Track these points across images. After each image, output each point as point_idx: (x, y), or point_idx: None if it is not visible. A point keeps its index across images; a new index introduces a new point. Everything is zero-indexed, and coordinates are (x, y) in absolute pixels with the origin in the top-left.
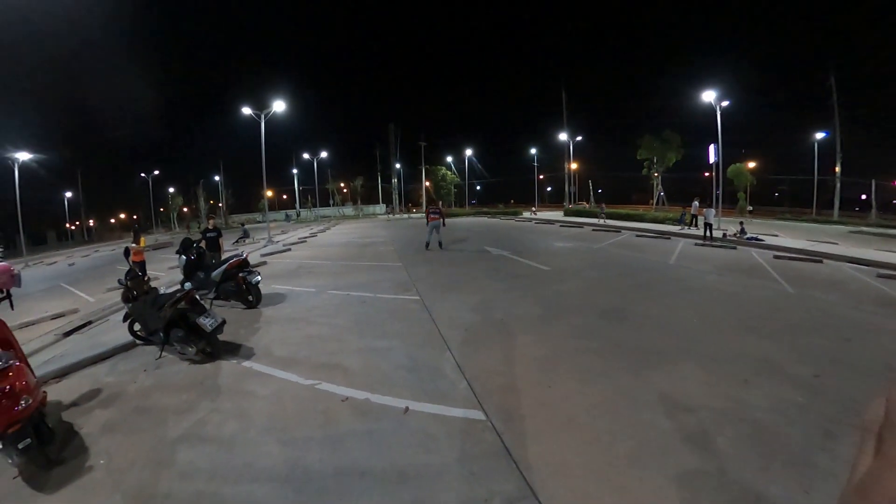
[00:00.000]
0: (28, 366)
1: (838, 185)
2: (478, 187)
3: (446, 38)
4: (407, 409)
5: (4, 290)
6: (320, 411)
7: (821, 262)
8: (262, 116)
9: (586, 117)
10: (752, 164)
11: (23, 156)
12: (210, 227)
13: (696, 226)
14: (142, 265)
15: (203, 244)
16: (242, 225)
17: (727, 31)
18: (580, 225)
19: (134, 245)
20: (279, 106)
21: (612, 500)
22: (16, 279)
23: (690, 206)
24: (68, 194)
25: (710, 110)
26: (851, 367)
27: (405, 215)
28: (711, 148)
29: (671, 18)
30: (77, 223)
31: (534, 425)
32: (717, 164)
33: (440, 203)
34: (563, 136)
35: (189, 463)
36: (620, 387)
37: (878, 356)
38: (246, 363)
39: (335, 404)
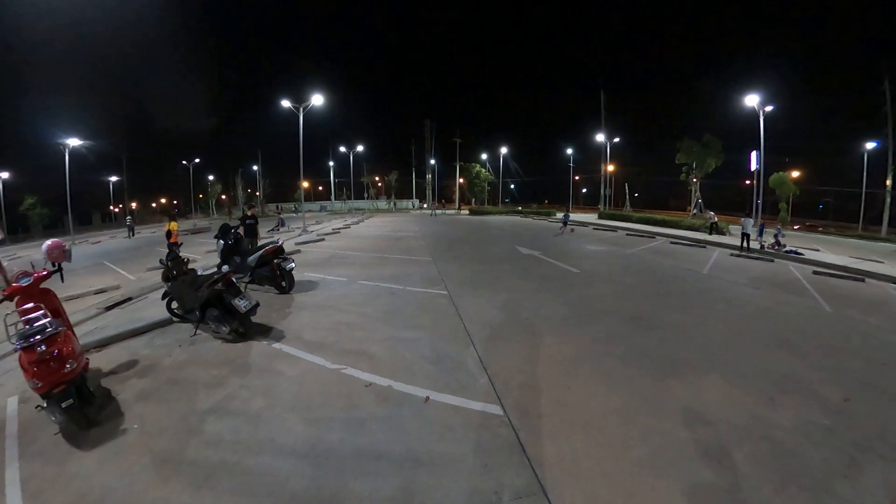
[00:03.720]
0: (73, 334)
1: (888, 199)
2: (512, 186)
3: (485, 35)
4: (427, 398)
5: (56, 263)
6: (344, 394)
7: (863, 280)
8: (301, 110)
9: (625, 118)
10: (795, 174)
11: (73, 142)
12: (248, 214)
13: (716, 233)
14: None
15: (241, 230)
16: (278, 214)
17: (773, 33)
18: (614, 229)
19: (169, 226)
20: (317, 100)
21: None
22: (67, 254)
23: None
24: (113, 178)
25: (753, 115)
26: (885, 394)
27: (439, 211)
28: (753, 155)
29: (715, 18)
30: (120, 206)
31: (550, 424)
32: (758, 171)
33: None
34: (600, 138)
35: (216, 433)
36: (641, 393)
37: None
38: (276, 345)
39: (358, 389)
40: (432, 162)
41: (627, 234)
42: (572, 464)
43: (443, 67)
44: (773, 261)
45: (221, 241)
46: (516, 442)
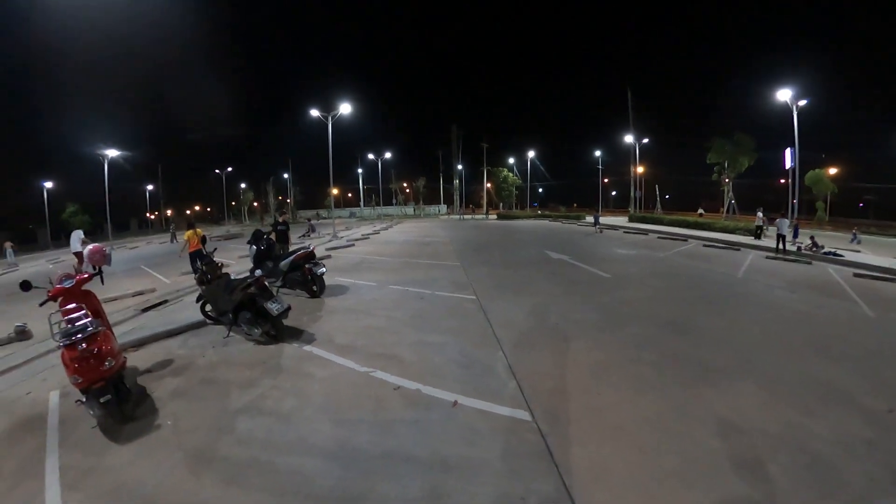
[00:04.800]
0: (112, 333)
1: None
2: (540, 190)
3: (511, 39)
4: (456, 402)
5: (97, 266)
6: (373, 397)
7: None
8: (330, 118)
9: (653, 118)
10: (833, 171)
11: (112, 152)
12: (280, 220)
13: (766, 237)
14: (197, 253)
15: (273, 236)
16: (309, 220)
17: (808, 22)
18: (645, 232)
19: (184, 236)
20: (345, 108)
21: None
22: (107, 258)
23: (755, 217)
24: (150, 187)
25: (786, 110)
26: None
27: (467, 216)
28: (788, 152)
29: (746, 9)
30: (156, 213)
31: (579, 430)
32: (793, 169)
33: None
34: (628, 139)
35: (247, 431)
36: (673, 401)
37: None
38: (307, 347)
39: (387, 392)
40: (459, 167)
41: (659, 238)
42: (601, 471)
43: (469, 72)
44: (810, 263)
45: (254, 247)
46: (544, 448)
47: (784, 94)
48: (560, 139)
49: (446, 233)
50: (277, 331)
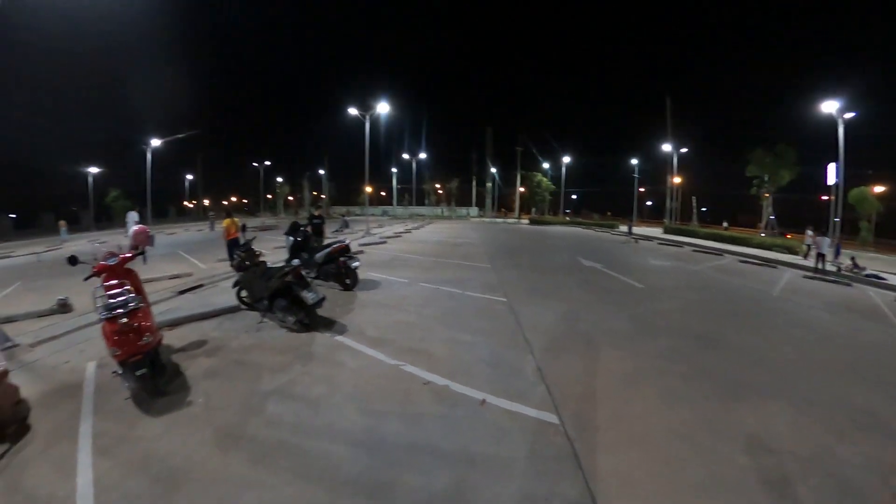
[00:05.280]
0: (151, 311)
1: None
2: (573, 196)
3: (552, 43)
4: (484, 401)
5: (141, 247)
6: (402, 390)
7: None
8: (367, 117)
9: (692, 127)
10: (879, 189)
11: (155, 141)
12: (316, 214)
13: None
14: (234, 242)
15: (309, 229)
16: (343, 216)
17: (856, 31)
18: (679, 244)
19: (221, 224)
20: (383, 108)
21: None
22: (151, 239)
23: (805, 235)
24: (189, 176)
25: (832, 123)
26: None
27: (500, 219)
28: (832, 167)
29: (796, 17)
30: (194, 202)
31: (606, 437)
32: (837, 185)
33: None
34: (666, 148)
35: (277, 414)
36: (702, 415)
37: None
38: (338, 338)
39: (416, 386)
40: (492, 170)
41: (694, 251)
42: (626, 479)
43: (508, 75)
44: (850, 285)
45: (291, 238)
46: (571, 452)
47: (830, 107)
48: (597, 146)
49: (478, 234)
50: (311, 319)
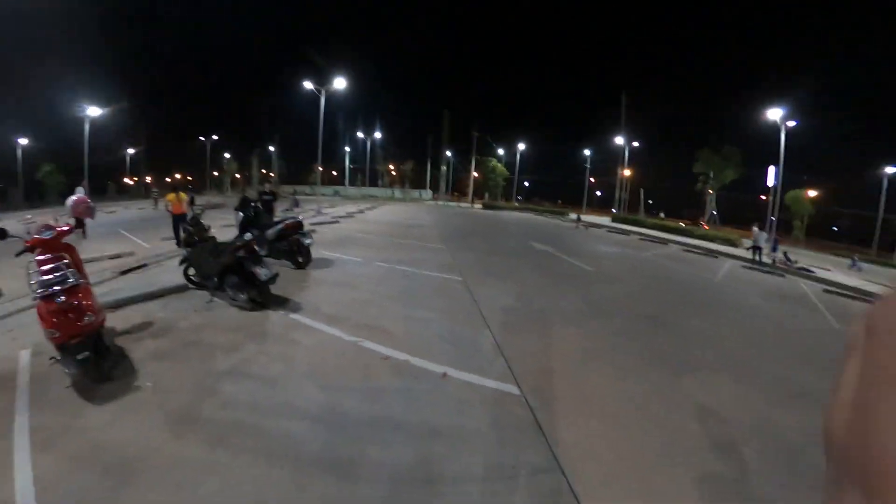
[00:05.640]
0: (92, 290)
1: None
2: (526, 183)
3: (512, 32)
4: (445, 374)
5: (80, 219)
6: (361, 365)
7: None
8: (322, 92)
9: (644, 124)
10: (812, 193)
11: (93, 110)
12: (267, 190)
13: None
14: (181, 218)
15: (259, 205)
16: (293, 194)
17: (807, 48)
18: (627, 232)
19: (166, 198)
20: (339, 83)
21: (635, 487)
22: (91, 210)
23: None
24: (130, 151)
25: (775, 130)
26: None
27: (453, 203)
28: (771, 170)
29: (752, 25)
30: (135, 178)
31: (566, 408)
32: (776, 187)
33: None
34: (619, 140)
35: (232, 395)
36: (656, 387)
37: None
38: (293, 315)
39: (376, 361)
40: (448, 154)
41: (641, 239)
42: (588, 446)
43: (467, 60)
44: (783, 276)
45: (241, 214)
46: (533, 421)
47: (775, 114)
48: (552, 136)
49: (431, 217)
50: (264, 297)
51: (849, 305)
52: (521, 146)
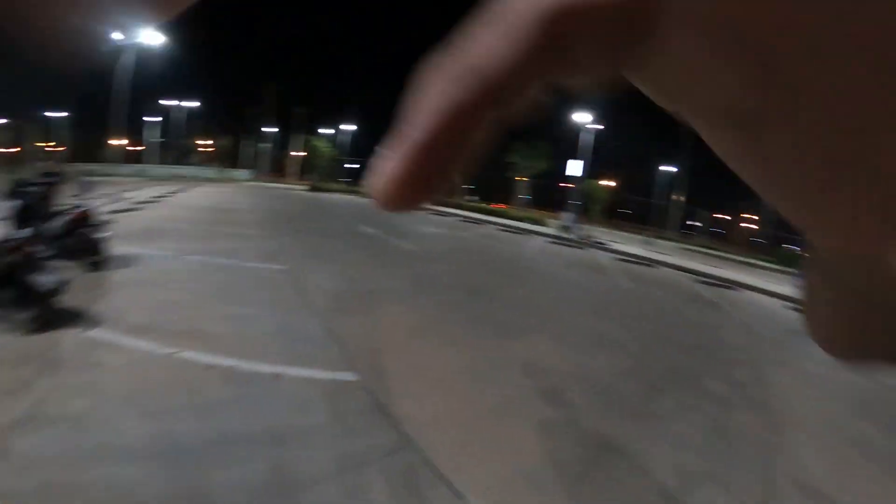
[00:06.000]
0: None
1: (680, 211)
2: (355, 165)
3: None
4: (278, 374)
5: None
6: (184, 381)
7: (655, 267)
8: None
9: None
10: (607, 183)
11: None
12: (49, 171)
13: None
14: None
15: (41, 189)
16: (82, 175)
17: None
18: (447, 214)
19: None
20: (150, 37)
21: (484, 445)
22: None
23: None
24: None
25: (580, 129)
26: (670, 342)
27: (276, 184)
28: (571, 163)
29: None
30: None
31: (405, 384)
32: (580, 178)
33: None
34: None
35: (30, 451)
36: (484, 352)
37: (689, 336)
38: (92, 332)
39: (199, 373)
40: (271, 130)
41: (460, 220)
42: (432, 417)
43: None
44: (583, 249)
45: (18, 201)
46: (375, 404)
47: (582, 117)
48: (375, 117)
49: (252, 200)
50: (50, 314)
51: (635, 269)
52: (347, 127)
